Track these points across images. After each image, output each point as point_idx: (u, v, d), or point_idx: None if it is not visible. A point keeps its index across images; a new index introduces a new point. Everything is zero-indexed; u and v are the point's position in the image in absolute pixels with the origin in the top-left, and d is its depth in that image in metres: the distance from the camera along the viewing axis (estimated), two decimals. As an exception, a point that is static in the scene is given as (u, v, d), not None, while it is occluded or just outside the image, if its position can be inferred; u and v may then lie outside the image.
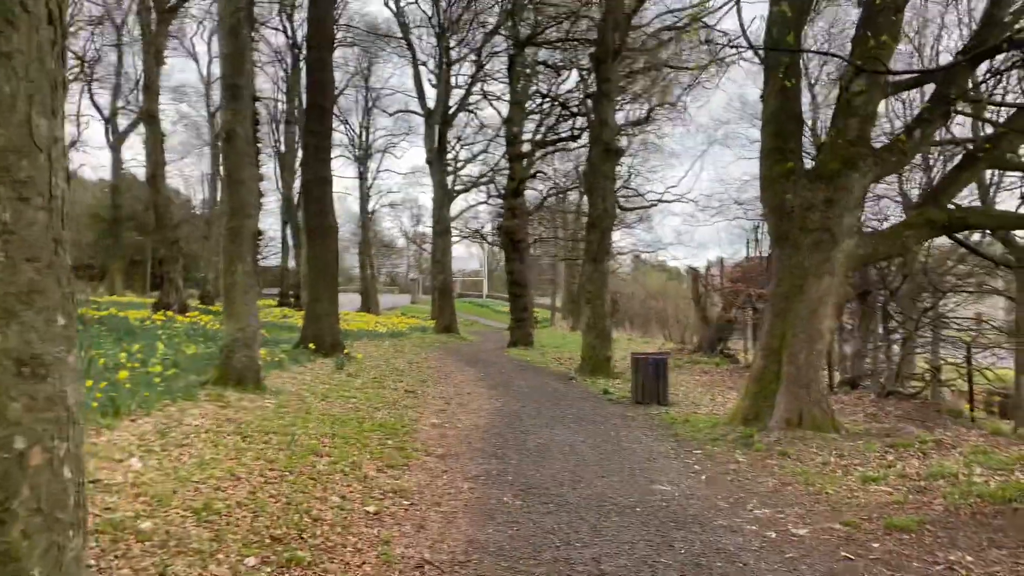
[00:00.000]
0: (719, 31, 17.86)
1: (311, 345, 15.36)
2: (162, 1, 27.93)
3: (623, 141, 27.12)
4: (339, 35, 41.57)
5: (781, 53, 9.12)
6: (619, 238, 46.57)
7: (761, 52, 10.15)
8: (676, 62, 24.26)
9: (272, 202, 51.19)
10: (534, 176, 30.05)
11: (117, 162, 47.14)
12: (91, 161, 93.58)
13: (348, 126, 51.17)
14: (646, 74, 27.56)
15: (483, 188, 45.24)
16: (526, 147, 28.70)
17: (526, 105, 30.58)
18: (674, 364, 20.74)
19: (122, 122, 45.87)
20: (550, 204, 45.77)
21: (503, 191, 29.69)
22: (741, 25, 10.42)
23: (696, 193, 50.86)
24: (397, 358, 18.29)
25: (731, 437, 8.60)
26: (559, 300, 59.96)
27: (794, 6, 8.98)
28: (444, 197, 32.71)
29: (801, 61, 10.92)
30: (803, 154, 9.81)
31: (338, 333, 16.35)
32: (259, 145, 24.47)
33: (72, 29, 40.61)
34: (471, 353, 23.82)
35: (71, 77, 42.30)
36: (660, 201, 36.45)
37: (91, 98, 45.46)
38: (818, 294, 8.91)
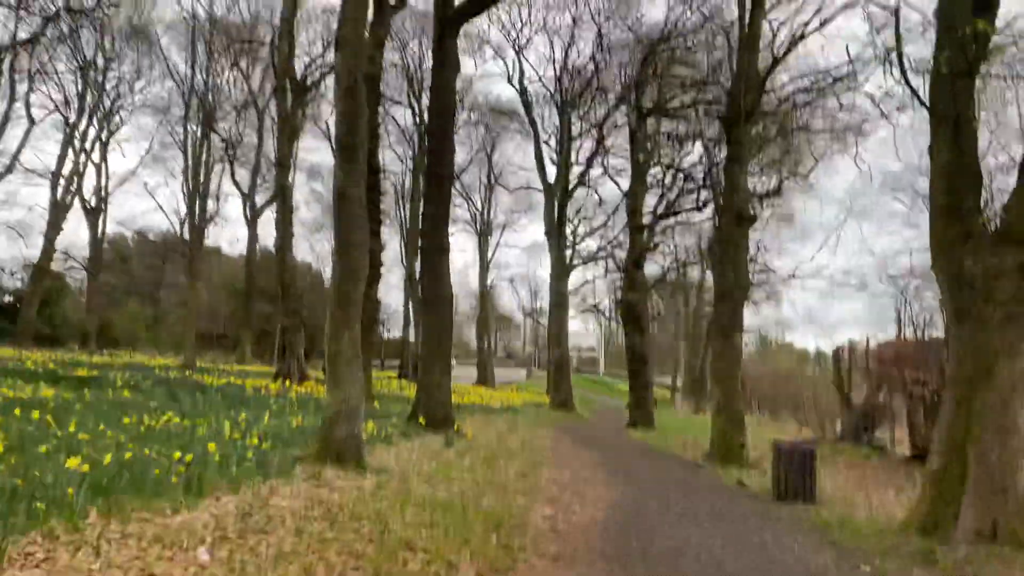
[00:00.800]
0: (866, 93, 16.58)
1: (421, 420, 14.67)
2: (297, 83, 29.30)
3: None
4: (464, 115, 42.68)
5: (957, 92, 7.87)
6: (744, 316, 44.35)
7: (926, 102, 8.92)
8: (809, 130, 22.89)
9: (396, 277, 52.41)
10: (655, 247, 28.97)
11: (253, 237, 49.29)
12: (228, 236, 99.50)
13: (471, 202, 52.23)
14: (777, 142, 26.28)
15: (601, 262, 44.62)
16: (647, 219, 27.77)
17: (648, 177, 29.83)
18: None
19: (259, 200, 48.07)
20: (670, 280, 44.43)
21: (623, 264, 28.73)
22: (903, 69, 9.28)
23: (832, 269, 47.35)
24: (510, 436, 17.31)
25: (906, 550, 7.06)
26: (679, 380, 57.67)
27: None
28: (561, 271, 32.09)
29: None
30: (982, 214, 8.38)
31: (450, 407, 15.63)
32: (382, 217, 24.71)
33: (219, 114, 43.72)
34: (588, 433, 22.56)
35: (216, 158, 45.27)
36: (793, 276, 34.52)
37: (232, 177, 48.04)
38: (1011, 380, 7.36)
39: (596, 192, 41.88)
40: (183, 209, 50.17)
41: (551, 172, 33.54)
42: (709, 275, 48.59)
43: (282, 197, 27.48)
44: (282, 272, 27.68)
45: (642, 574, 6.03)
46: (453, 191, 49.69)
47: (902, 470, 14.66)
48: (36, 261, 44.08)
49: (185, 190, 39.27)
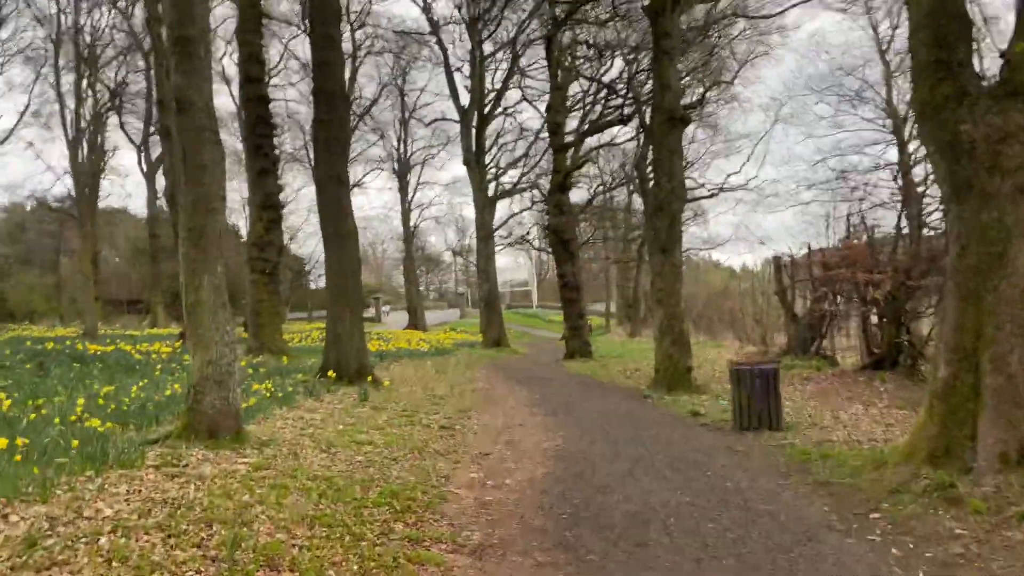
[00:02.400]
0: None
1: (330, 374, 12.84)
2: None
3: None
4: (367, 42, 39.66)
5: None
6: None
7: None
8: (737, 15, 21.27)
9: (314, 223, 49.47)
10: (581, 166, 27.22)
11: (152, 192, 45.75)
12: (120, 193, 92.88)
13: (385, 139, 49.40)
14: (699, 47, 24.66)
15: (527, 194, 42.85)
16: (571, 137, 25.98)
17: (568, 94, 27.97)
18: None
19: (155, 152, 44.27)
20: (597, 204, 43.17)
21: (547, 192, 27.01)
22: None
23: (760, 180, 44.84)
24: (437, 381, 15.67)
25: (918, 487, 5.67)
26: (613, 305, 56.95)
27: None
28: (485, 201, 30.13)
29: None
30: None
31: (365, 355, 13.80)
32: (276, 153, 22.26)
33: (101, 61, 39.54)
34: (524, 369, 21.11)
35: (102, 109, 41.31)
36: (722, 189, 33.47)
37: (121, 127, 44.26)
38: (1030, 264, 5.96)
39: (515, 119, 39.90)
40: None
41: (465, 98, 31.28)
42: (636, 197, 47.44)
43: (168, 139, 24.53)
44: (175, 223, 24.98)
45: (596, 558, 4.43)
46: (365, 127, 47.08)
47: (860, 380, 13.60)
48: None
49: (67, 145, 35.41)
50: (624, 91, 24.99)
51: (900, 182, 24.77)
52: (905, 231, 15.44)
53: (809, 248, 19.63)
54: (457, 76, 32.04)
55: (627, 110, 25.70)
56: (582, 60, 28.16)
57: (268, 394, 10.68)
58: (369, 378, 13.03)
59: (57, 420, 7.18)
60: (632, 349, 29.17)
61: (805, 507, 5.62)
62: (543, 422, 10.51)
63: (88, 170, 42.07)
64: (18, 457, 5.57)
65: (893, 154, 30.76)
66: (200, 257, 7.49)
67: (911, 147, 28.88)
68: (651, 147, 14.38)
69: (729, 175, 34.09)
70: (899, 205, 15.60)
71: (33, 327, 37.97)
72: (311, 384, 12.41)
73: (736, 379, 9.71)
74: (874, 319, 15.19)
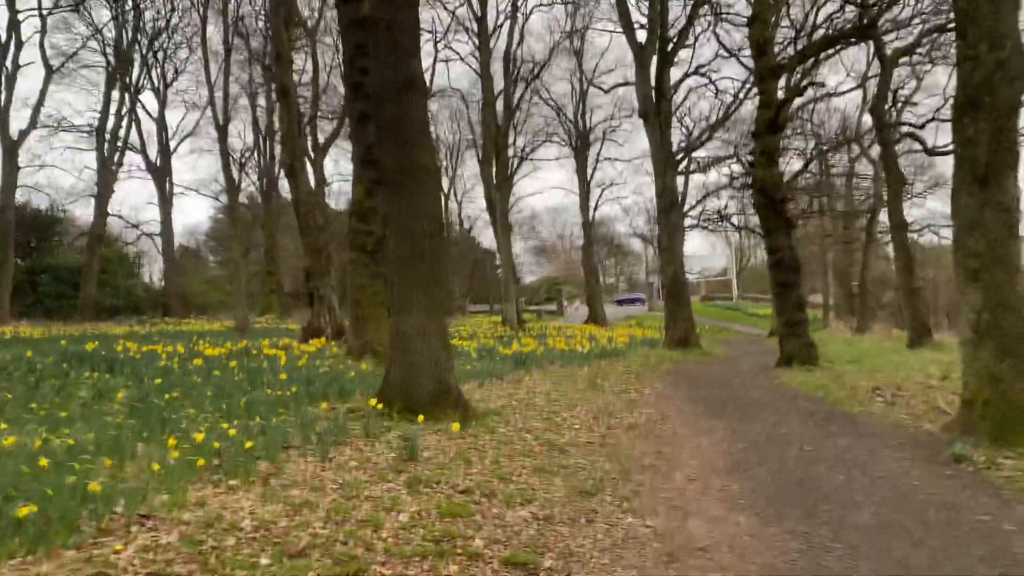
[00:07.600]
0: None
1: (372, 402, 7.68)
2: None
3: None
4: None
5: None
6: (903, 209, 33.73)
7: None
8: None
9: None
10: (801, 92, 20.19)
11: (320, 179, 43.66)
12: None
13: (563, 115, 45.02)
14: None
15: (724, 169, 36.49)
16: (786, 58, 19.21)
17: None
18: None
19: (320, 136, 41.78)
20: (812, 172, 35.67)
21: (752, 133, 20.32)
22: None
23: None
24: (577, 406, 10.10)
25: None
26: (831, 295, 48.12)
27: None
28: (667, 162, 23.90)
29: None
30: None
31: (446, 369, 8.41)
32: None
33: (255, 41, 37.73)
34: (717, 382, 14.87)
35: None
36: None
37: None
38: None
39: (710, 79, 33.49)
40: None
41: (643, 36, 25.20)
42: (859, 165, 38.93)
43: (284, 98, 20.84)
44: (295, 198, 21.34)
45: None
46: (539, 98, 42.40)
47: None
48: (89, 228, 40.21)
49: (217, 130, 33.52)
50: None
51: None
52: None
53: None
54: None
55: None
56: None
57: (253, 447, 5.69)
58: (453, 403, 7.71)
59: None
60: (867, 351, 21.85)
61: None
62: (757, 530, 4.64)
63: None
64: None
65: None
66: None
67: None
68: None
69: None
70: None
71: (195, 321, 36.81)
72: (339, 421, 7.31)
73: None
74: None
